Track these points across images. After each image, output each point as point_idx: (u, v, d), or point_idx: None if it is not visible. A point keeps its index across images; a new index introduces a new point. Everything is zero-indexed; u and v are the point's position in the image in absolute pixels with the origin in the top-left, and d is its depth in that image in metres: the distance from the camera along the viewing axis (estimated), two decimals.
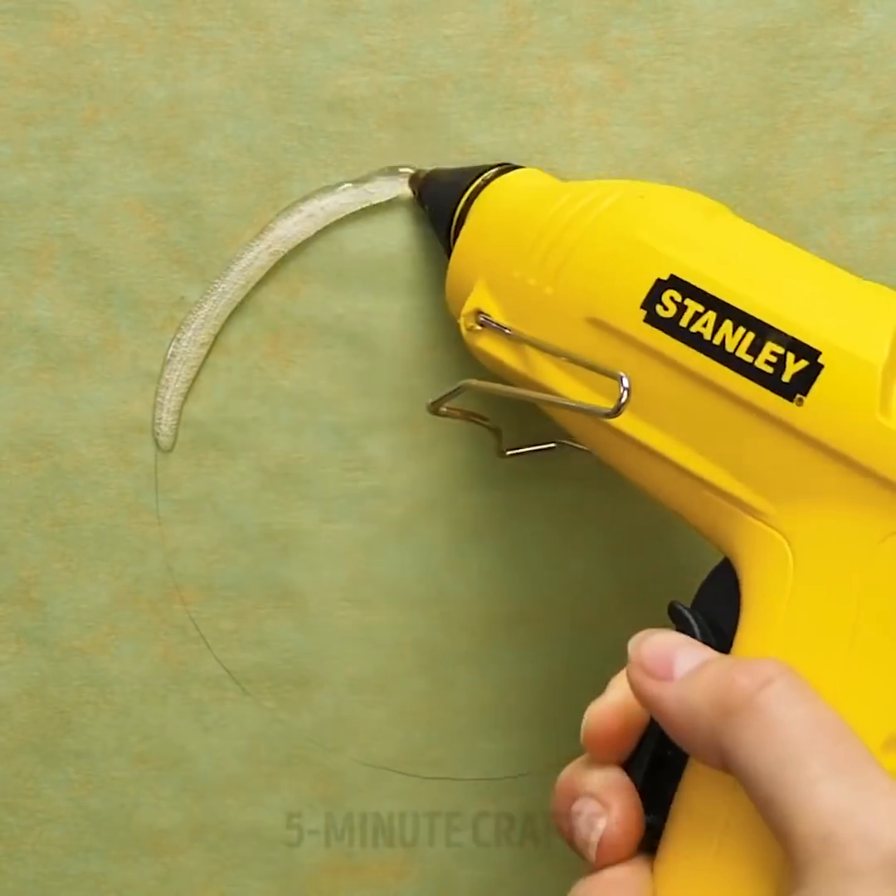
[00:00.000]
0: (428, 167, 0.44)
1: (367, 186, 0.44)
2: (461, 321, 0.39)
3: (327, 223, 0.44)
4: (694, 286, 0.34)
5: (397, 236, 0.44)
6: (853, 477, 0.32)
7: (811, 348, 0.33)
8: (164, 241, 0.45)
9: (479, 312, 0.38)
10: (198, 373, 0.45)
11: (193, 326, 0.45)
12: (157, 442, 0.45)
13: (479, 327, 0.39)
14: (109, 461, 0.45)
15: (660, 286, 0.35)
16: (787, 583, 0.33)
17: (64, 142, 0.44)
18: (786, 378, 0.33)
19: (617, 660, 0.42)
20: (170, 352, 0.45)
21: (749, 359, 0.33)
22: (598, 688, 0.45)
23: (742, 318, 0.34)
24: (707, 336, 0.34)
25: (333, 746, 0.45)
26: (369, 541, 0.45)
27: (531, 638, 0.45)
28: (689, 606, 0.34)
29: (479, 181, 0.41)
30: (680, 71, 0.44)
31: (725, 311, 0.34)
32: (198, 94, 0.44)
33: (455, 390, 0.38)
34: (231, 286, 0.45)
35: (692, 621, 0.34)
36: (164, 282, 0.45)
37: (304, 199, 0.44)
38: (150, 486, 0.45)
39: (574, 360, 0.36)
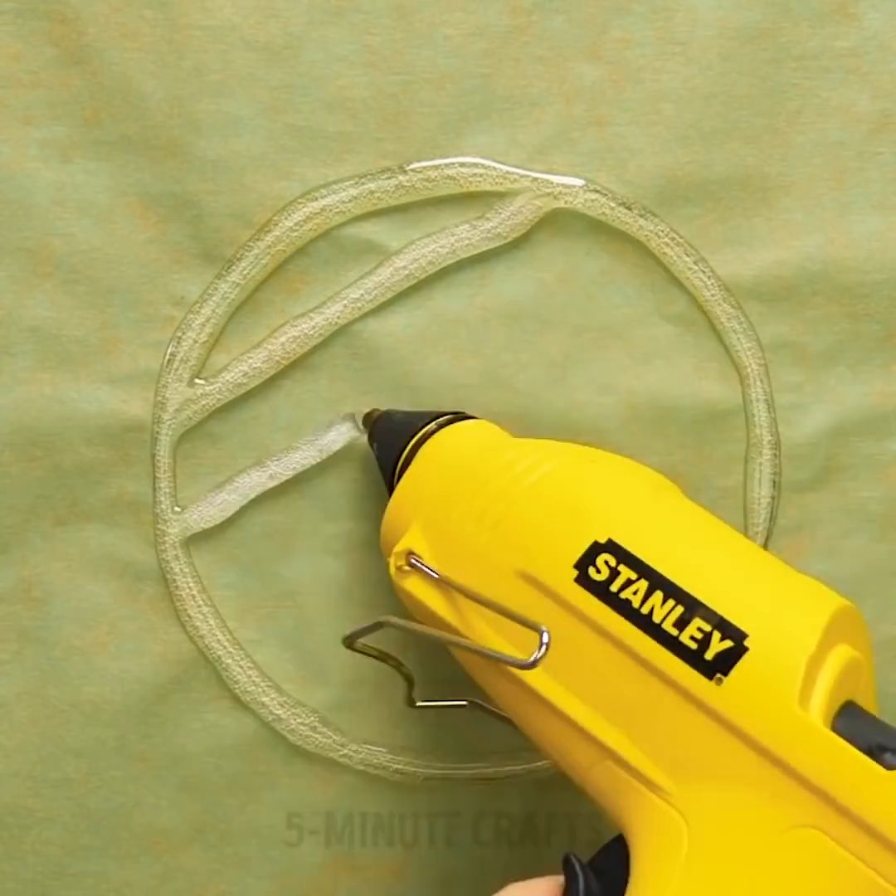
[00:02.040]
0: (415, 164, 0.44)
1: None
2: (391, 560, 0.39)
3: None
4: (630, 553, 0.34)
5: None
6: (764, 765, 0.31)
7: (738, 630, 0.33)
8: (164, 241, 0.45)
9: (411, 553, 0.38)
10: (198, 372, 0.45)
11: (194, 326, 0.45)
12: (157, 441, 0.45)
13: (407, 568, 0.38)
14: (109, 461, 0.45)
15: (596, 548, 0.35)
16: (679, 864, 0.32)
17: (64, 142, 0.44)
18: (708, 656, 0.33)
19: None
20: (170, 352, 0.45)
21: (674, 632, 0.33)
22: None
23: (673, 591, 0.34)
24: (635, 604, 0.34)
25: (333, 745, 0.45)
26: (370, 540, 0.45)
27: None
28: (582, 861, 0.34)
29: (431, 426, 0.41)
30: (680, 71, 0.44)
31: (658, 581, 0.34)
32: (198, 93, 0.44)
33: (372, 626, 0.37)
34: (231, 286, 0.45)
35: (580, 877, 0.33)
36: (164, 282, 0.45)
37: (305, 197, 0.44)
38: (149, 486, 0.45)
39: (498, 610, 0.35)
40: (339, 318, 0.45)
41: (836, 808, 0.31)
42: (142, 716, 0.45)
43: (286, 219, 0.45)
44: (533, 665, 0.34)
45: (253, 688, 0.45)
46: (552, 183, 0.45)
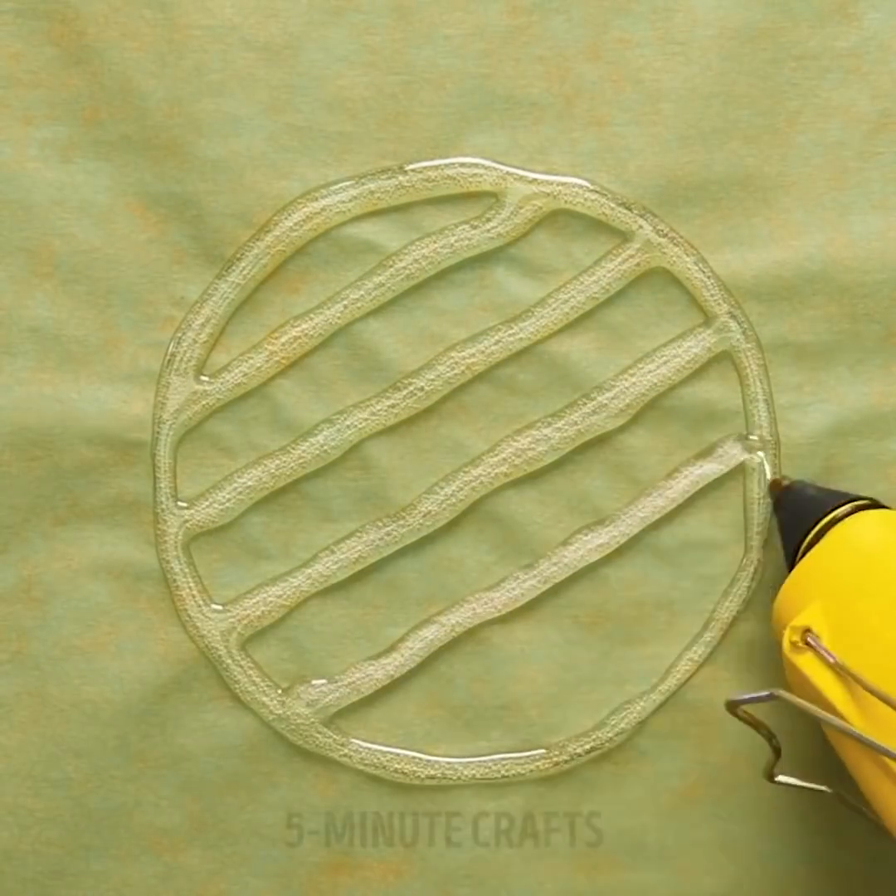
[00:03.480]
0: (415, 164, 0.44)
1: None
2: (786, 633, 0.38)
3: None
4: None
5: None
6: None
7: None
8: (164, 241, 0.45)
9: (808, 631, 0.38)
10: (199, 372, 0.45)
11: (194, 326, 0.45)
12: (157, 441, 0.45)
13: (803, 645, 0.38)
14: (109, 461, 0.45)
15: None
16: None
17: (64, 142, 0.44)
18: None
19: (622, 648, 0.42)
20: (170, 352, 0.45)
21: None
22: (603, 678, 0.45)
23: None
24: None
25: (333, 745, 0.45)
26: (369, 540, 0.45)
27: (533, 634, 0.45)
28: None
29: (846, 508, 0.41)
30: (680, 71, 0.44)
31: None
32: (198, 93, 0.44)
33: (764, 696, 0.37)
34: (231, 286, 0.45)
35: None
36: (164, 282, 0.45)
37: (305, 197, 0.45)
38: (149, 486, 0.45)
39: (894, 707, 0.35)
40: (339, 318, 0.45)
41: None
42: (142, 716, 0.45)
43: (286, 219, 0.45)
44: None
45: (253, 688, 0.45)
46: (552, 183, 0.45)
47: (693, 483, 0.45)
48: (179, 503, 0.45)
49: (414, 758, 0.45)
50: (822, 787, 0.41)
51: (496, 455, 0.45)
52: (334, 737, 0.45)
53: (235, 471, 0.45)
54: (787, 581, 0.40)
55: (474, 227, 0.45)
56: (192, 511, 0.45)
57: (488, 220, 0.45)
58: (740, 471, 0.45)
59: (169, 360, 0.45)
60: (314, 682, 0.45)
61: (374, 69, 0.44)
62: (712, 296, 0.45)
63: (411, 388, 0.45)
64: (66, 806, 0.45)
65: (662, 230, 0.45)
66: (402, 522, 0.45)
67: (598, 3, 0.44)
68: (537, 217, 0.45)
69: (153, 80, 0.44)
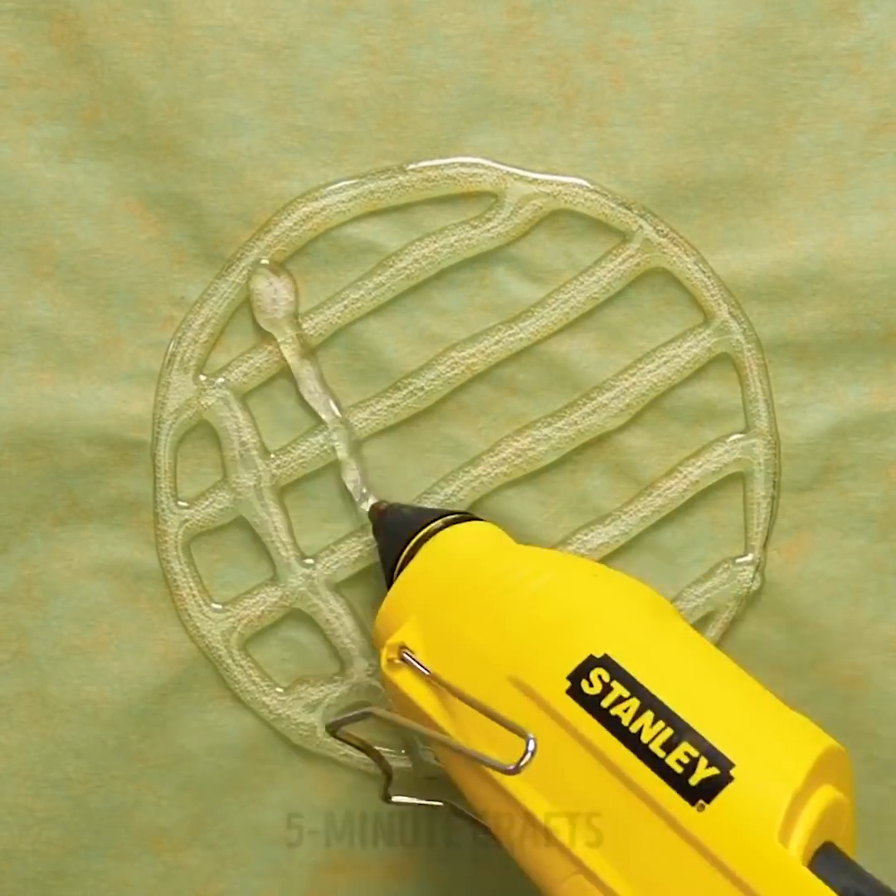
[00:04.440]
0: (415, 164, 0.44)
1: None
2: (383, 652, 0.39)
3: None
4: (625, 670, 0.34)
5: None
6: (737, 895, 0.31)
7: (726, 759, 0.33)
8: (164, 241, 0.45)
9: (404, 647, 0.38)
10: (199, 372, 0.45)
11: (194, 326, 0.45)
12: (157, 441, 0.45)
13: (399, 661, 0.38)
14: (109, 461, 0.45)
15: (591, 662, 0.35)
16: None
17: (64, 142, 0.44)
18: (693, 781, 0.33)
19: None
20: (170, 352, 0.45)
21: (661, 754, 0.33)
22: None
23: (664, 713, 0.34)
24: (625, 722, 0.34)
25: (333, 745, 0.45)
26: (369, 540, 0.45)
27: None
28: None
29: (436, 523, 0.41)
30: (680, 71, 0.44)
31: (650, 702, 0.34)
32: (198, 93, 0.44)
33: (358, 715, 0.37)
34: (231, 286, 0.45)
35: None
36: (164, 282, 0.45)
37: (305, 197, 0.45)
38: (149, 485, 0.45)
39: (487, 713, 0.35)
40: (339, 318, 0.45)
41: None
42: (142, 716, 0.45)
43: (286, 219, 0.45)
44: (516, 771, 0.33)
45: (253, 688, 0.45)
46: (552, 183, 0.45)
47: (693, 483, 0.45)
48: (179, 503, 0.45)
49: (414, 758, 0.45)
50: (436, 803, 0.42)
51: (496, 455, 0.45)
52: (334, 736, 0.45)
53: (236, 471, 0.45)
54: (384, 601, 0.40)
55: (474, 227, 0.45)
56: (192, 511, 0.45)
57: (488, 220, 0.45)
58: (740, 471, 0.45)
59: (169, 360, 0.45)
60: (314, 681, 0.45)
61: (374, 69, 0.44)
62: (712, 296, 0.45)
63: (411, 388, 0.45)
64: (66, 806, 0.45)
65: (662, 230, 0.45)
66: None
67: (598, 3, 0.44)
68: (537, 217, 0.45)
69: (153, 80, 0.44)
